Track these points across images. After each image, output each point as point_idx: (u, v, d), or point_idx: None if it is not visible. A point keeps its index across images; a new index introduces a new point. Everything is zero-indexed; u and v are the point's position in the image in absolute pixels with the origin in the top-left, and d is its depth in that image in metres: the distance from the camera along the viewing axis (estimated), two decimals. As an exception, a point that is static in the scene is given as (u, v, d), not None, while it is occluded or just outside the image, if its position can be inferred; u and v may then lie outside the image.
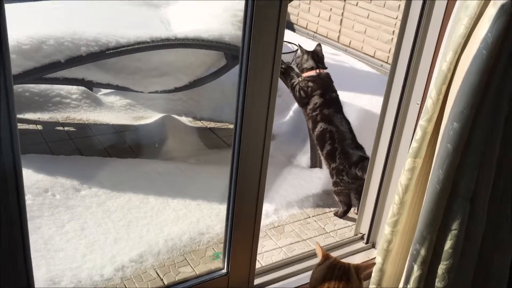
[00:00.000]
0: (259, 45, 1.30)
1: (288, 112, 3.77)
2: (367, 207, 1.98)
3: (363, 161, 2.59)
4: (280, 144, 3.46)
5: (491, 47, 1.26)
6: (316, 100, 2.83)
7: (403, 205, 1.58)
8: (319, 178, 3.01)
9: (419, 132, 1.47)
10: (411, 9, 1.63)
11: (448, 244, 1.47)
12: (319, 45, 3.09)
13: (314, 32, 5.49)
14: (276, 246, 2.48)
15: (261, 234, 2.52)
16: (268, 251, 2.43)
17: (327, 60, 5.03)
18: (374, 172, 1.90)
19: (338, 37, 5.22)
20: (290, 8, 5.76)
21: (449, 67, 1.37)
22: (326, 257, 1.68)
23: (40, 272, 2.08)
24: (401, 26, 1.66)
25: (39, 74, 2.44)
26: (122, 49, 2.47)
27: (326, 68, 3.00)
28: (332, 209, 2.82)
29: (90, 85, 2.80)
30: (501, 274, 1.62)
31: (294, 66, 3.08)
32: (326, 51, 5.18)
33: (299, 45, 3.16)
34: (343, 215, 2.72)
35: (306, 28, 5.60)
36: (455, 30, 1.35)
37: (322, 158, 2.86)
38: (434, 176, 1.43)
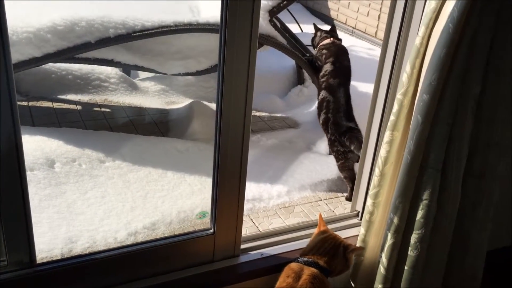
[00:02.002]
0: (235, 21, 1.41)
1: (314, 103, 3.85)
2: (361, 185, 2.04)
3: (351, 131, 2.72)
4: (303, 132, 3.54)
5: (457, 21, 1.31)
6: (327, 67, 2.98)
7: (383, 177, 1.64)
8: (335, 165, 3.06)
9: (395, 106, 1.53)
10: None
11: (419, 214, 1.52)
12: (333, 26, 3.33)
13: (353, 28, 5.51)
14: (283, 224, 2.57)
15: (270, 213, 2.66)
16: (275, 228, 2.53)
17: (362, 54, 5.05)
18: (368, 150, 1.96)
19: (376, 32, 5.22)
20: (330, 3, 5.81)
21: (421, 41, 1.43)
22: (323, 229, 1.76)
23: (60, 231, 2.29)
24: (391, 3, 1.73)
25: (71, 53, 2.66)
26: (147, 32, 2.65)
27: (340, 40, 3.18)
28: (345, 193, 2.88)
29: (118, 65, 3.00)
30: (479, 251, 1.65)
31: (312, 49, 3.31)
32: (363, 46, 5.22)
33: (314, 24, 3.32)
34: (351, 195, 2.78)
35: (345, 24, 5.63)
36: (428, 4, 1.41)
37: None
38: (406, 147, 1.49)
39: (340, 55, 3.04)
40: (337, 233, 1.84)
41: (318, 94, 3.02)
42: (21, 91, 3.42)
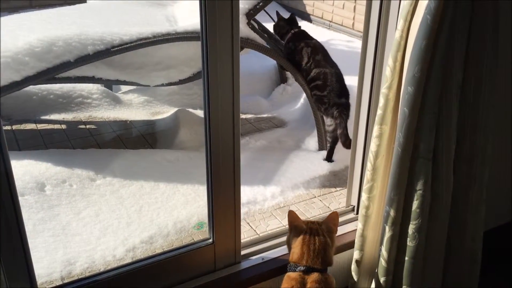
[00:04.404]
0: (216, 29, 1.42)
1: (299, 100, 3.87)
2: (355, 180, 2.05)
3: (345, 106, 2.97)
4: (290, 130, 3.56)
5: (434, 12, 1.33)
6: (306, 50, 3.14)
7: (376, 171, 1.65)
8: (326, 161, 3.08)
9: (381, 100, 1.55)
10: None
11: (415, 204, 1.54)
12: (292, 14, 3.49)
13: (330, 21, 5.54)
14: (281, 225, 2.57)
15: (266, 214, 2.66)
16: (273, 229, 2.53)
17: (341, 47, 5.09)
18: (358, 145, 1.97)
19: (353, 24, 5.25)
20: (305, -1, 5.83)
21: (401, 34, 1.44)
22: (299, 226, 1.70)
23: (57, 254, 2.27)
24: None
25: (52, 74, 2.63)
26: (126, 46, 2.63)
27: (299, 27, 3.37)
28: (338, 188, 2.89)
29: (100, 82, 2.98)
30: (476, 234, 1.67)
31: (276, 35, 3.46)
32: (341, 38, 5.25)
33: (277, 12, 3.47)
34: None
35: (322, 18, 5.65)
36: (404, -2, 1.42)
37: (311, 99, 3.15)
38: (396, 140, 1.50)
39: (306, 38, 3.24)
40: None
41: (306, 76, 3.13)
42: (2, 115, 3.38)
